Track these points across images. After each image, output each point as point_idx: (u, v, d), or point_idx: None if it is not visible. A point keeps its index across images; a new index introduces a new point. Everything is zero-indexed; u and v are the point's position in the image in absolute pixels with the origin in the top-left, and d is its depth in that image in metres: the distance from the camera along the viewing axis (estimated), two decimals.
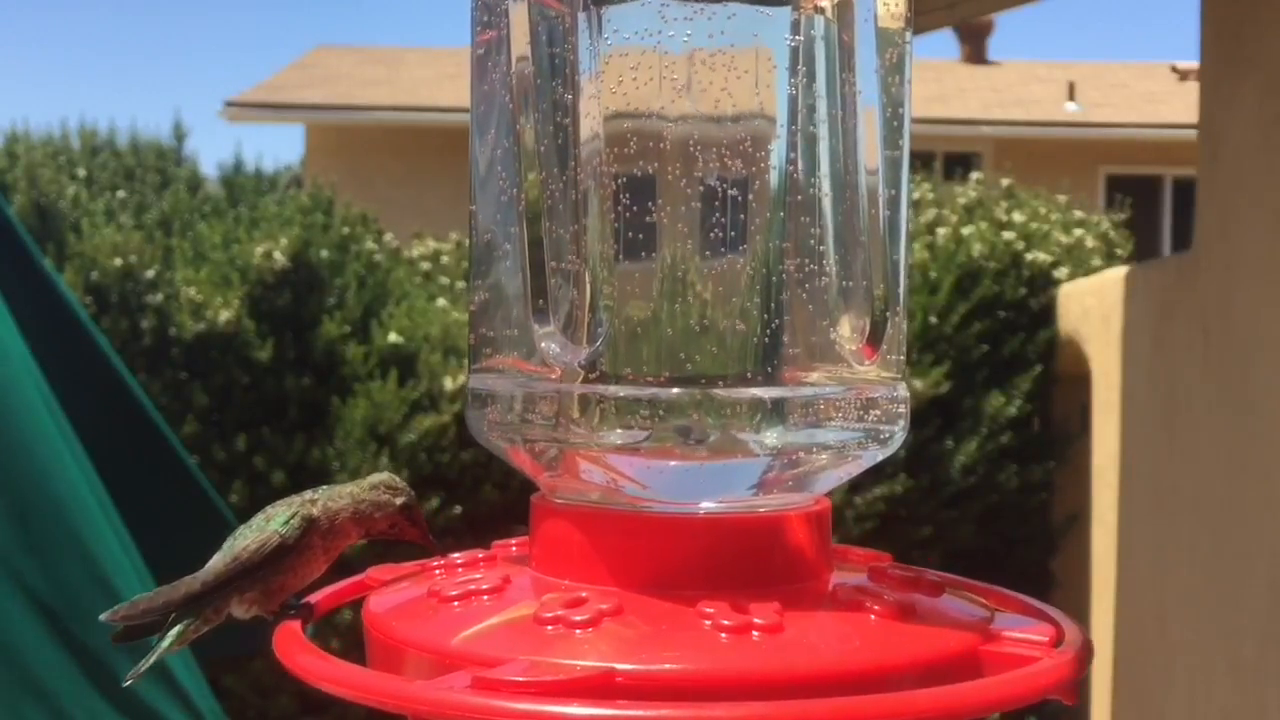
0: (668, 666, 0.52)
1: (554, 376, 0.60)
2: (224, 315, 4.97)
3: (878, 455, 0.64)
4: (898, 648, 0.54)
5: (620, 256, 0.58)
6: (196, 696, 1.99)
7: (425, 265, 6.08)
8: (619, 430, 0.58)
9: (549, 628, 0.54)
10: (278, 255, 5.13)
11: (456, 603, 0.58)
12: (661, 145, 0.58)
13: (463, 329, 5.11)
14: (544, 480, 0.64)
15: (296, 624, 0.59)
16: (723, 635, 0.53)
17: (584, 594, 0.56)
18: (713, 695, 0.50)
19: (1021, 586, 0.68)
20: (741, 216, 0.59)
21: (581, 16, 0.58)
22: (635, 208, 0.58)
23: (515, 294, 0.62)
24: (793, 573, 0.61)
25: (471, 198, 0.66)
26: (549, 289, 0.60)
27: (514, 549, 0.69)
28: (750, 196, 0.59)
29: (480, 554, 0.68)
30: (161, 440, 2.29)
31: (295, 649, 0.56)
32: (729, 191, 0.58)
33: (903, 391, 0.65)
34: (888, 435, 0.64)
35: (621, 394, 0.58)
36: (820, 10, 0.61)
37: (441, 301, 5.42)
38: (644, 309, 0.58)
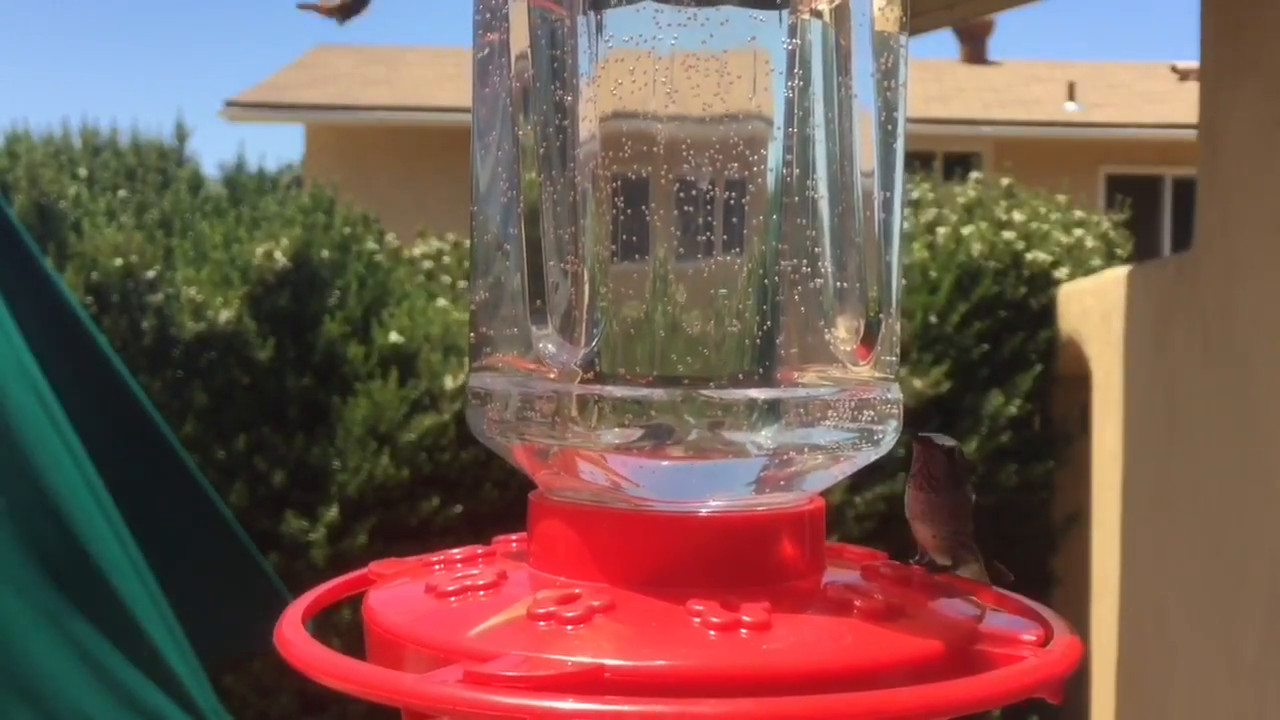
0: (656, 663, 0.52)
1: (552, 375, 0.61)
2: (224, 315, 4.98)
3: (871, 455, 0.65)
4: (885, 646, 0.55)
5: (617, 258, 0.59)
6: (197, 695, 2.00)
7: (427, 264, 6.09)
8: (616, 430, 0.59)
9: (541, 623, 0.55)
10: (278, 255, 5.15)
11: (453, 598, 0.59)
12: (657, 148, 0.58)
13: (463, 328, 5.12)
14: (542, 478, 0.65)
15: (298, 617, 0.60)
16: (711, 633, 0.54)
17: (577, 590, 0.57)
18: (699, 691, 0.50)
19: (1021, 586, 0.69)
20: (737, 219, 0.59)
21: (580, 20, 0.59)
22: (631, 210, 0.59)
23: (514, 293, 0.63)
24: (784, 571, 0.62)
25: (473, 198, 0.67)
26: (546, 290, 0.61)
27: (514, 544, 0.70)
28: (746, 199, 0.59)
29: (479, 549, 0.69)
30: (161, 440, 2.30)
31: (293, 641, 0.57)
32: (725, 194, 0.59)
33: (895, 392, 0.66)
34: (880, 435, 0.64)
35: (619, 395, 0.59)
36: (816, 14, 0.62)
37: (442, 301, 5.44)
38: (641, 310, 0.59)
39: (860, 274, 0.64)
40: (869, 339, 0.64)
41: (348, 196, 6.27)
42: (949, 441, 0.69)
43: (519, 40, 0.63)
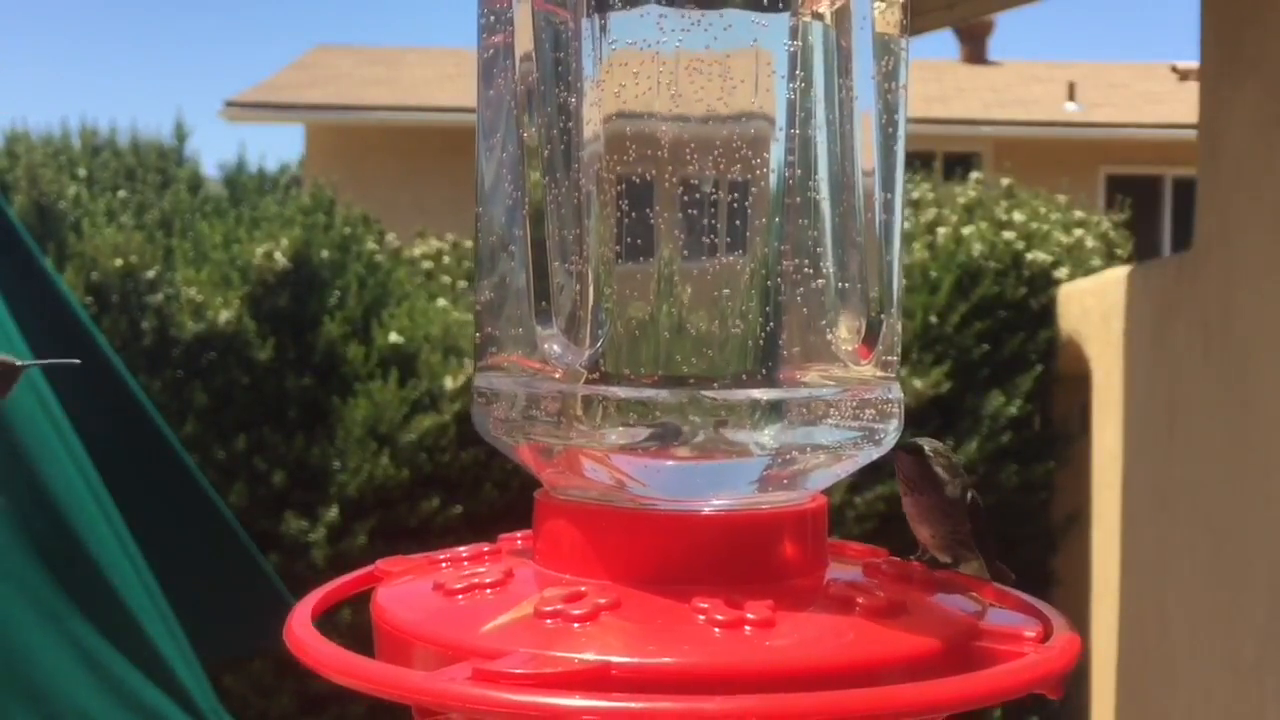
0: (662, 660, 0.53)
1: (557, 375, 0.61)
2: (224, 315, 4.98)
3: (873, 454, 0.65)
4: (888, 642, 0.56)
5: (621, 259, 0.59)
6: (197, 695, 2.00)
7: (427, 264, 6.09)
8: (621, 430, 0.59)
9: (549, 621, 0.55)
10: (278, 255, 5.14)
11: (461, 596, 0.59)
12: (661, 150, 0.59)
13: (463, 329, 5.12)
14: (547, 477, 0.65)
15: (308, 615, 0.61)
16: (716, 630, 0.55)
17: (583, 589, 0.57)
18: (705, 688, 0.51)
19: (1021, 586, 0.69)
20: (739, 220, 0.60)
21: (585, 23, 0.59)
22: (635, 211, 0.59)
23: (519, 293, 0.63)
24: (788, 569, 0.62)
25: (477, 199, 0.67)
26: (551, 290, 0.61)
27: (519, 542, 0.70)
28: (749, 200, 0.60)
29: (485, 547, 0.69)
30: (161, 440, 2.29)
31: (304, 639, 0.57)
32: (728, 195, 0.59)
33: (896, 391, 0.66)
34: (882, 434, 0.65)
35: (623, 395, 0.59)
36: (818, 17, 0.62)
37: (442, 301, 5.43)
38: (645, 310, 0.59)
39: (861, 274, 0.64)
40: (870, 338, 0.65)
41: (348, 196, 6.27)
42: (916, 442, 0.71)
43: (523, 42, 0.63)
